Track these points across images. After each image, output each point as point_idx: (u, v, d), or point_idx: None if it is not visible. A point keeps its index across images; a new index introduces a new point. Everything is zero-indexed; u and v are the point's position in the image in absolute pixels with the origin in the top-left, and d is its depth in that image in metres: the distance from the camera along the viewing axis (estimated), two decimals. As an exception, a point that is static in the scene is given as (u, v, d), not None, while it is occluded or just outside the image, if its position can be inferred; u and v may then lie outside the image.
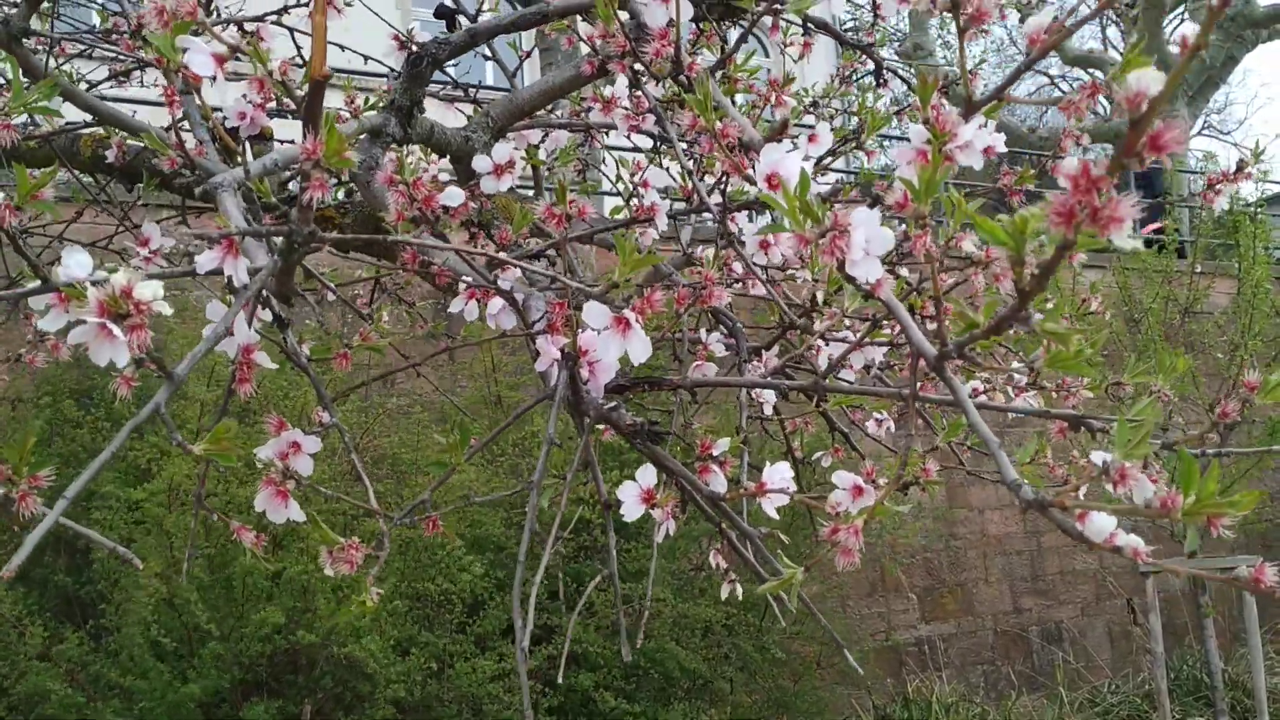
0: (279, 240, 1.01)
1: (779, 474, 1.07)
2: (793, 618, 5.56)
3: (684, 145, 1.64)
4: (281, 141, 1.70)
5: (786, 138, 1.24)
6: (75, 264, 0.93)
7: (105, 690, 4.08)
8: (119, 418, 4.79)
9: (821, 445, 1.94)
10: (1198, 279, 7.22)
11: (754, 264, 1.40)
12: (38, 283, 0.98)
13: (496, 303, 1.31)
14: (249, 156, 1.56)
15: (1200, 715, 6.53)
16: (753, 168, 1.01)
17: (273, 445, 1.11)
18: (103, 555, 4.51)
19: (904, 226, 1.03)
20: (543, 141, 1.99)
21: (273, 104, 1.97)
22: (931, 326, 0.95)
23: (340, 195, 2.14)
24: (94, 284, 0.78)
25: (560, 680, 4.51)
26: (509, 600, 4.74)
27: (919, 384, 0.92)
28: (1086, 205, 0.52)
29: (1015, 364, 1.54)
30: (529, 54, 2.38)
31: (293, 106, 1.98)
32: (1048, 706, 6.56)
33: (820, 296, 1.52)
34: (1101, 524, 0.70)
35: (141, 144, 2.03)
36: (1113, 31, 17.97)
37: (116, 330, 0.77)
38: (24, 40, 1.66)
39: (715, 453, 1.21)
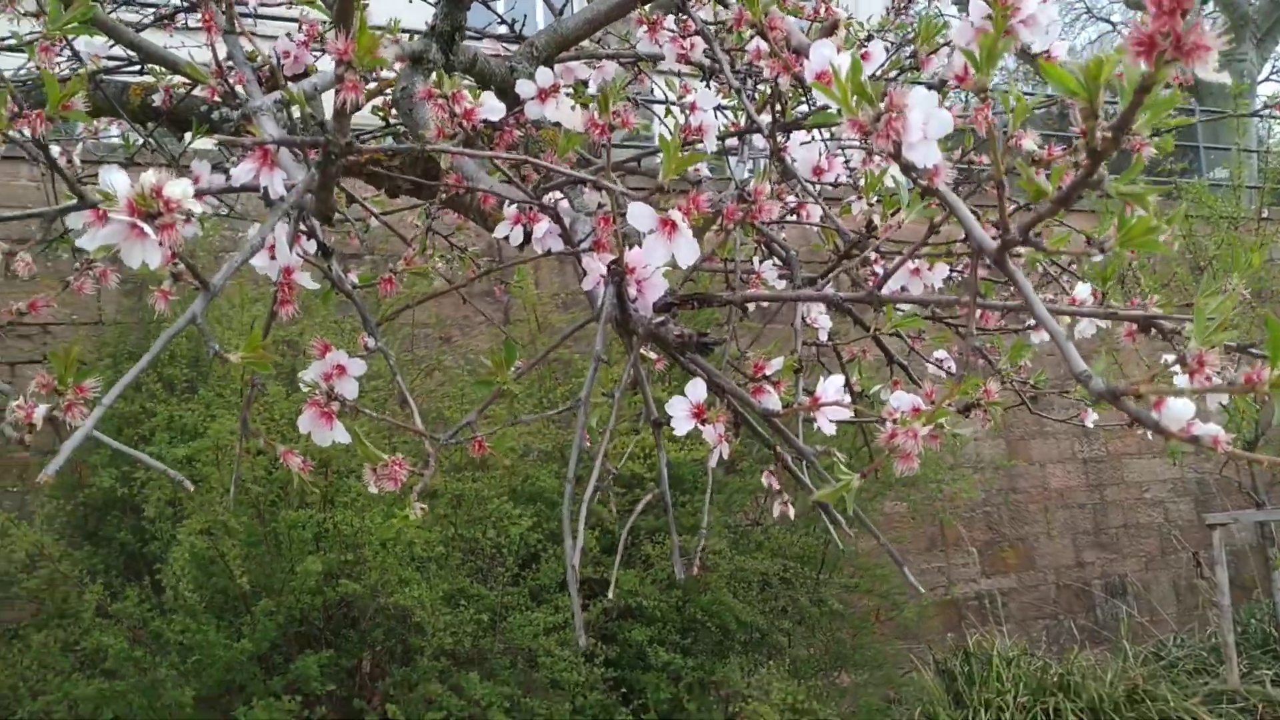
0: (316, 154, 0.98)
1: (834, 387, 1.03)
2: (851, 570, 5.54)
3: (734, 71, 1.59)
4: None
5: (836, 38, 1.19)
6: (116, 181, 0.92)
7: (164, 646, 4.15)
8: (172, 380, 4.84)
9: (881, 380, 1.90)
10: (1265, 225, 7.02)
11: (807, 184, 1.36)
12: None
13: (543, 226, 1.28)
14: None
15: (1268, 669, 6.41)
16: (803, 68, 0.96)
17: (317, 367, 1.09)
18: (154, 513, 4.58)
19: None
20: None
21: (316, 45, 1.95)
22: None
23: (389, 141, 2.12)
24: (121, 182, 0.76)
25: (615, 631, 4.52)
26: (563, 552, 4.75)
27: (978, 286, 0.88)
28: (1169, 32, 0.47)
29: (1081, 286, 1.49)
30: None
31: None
32: (1111, 660, 6.47)
33: (876, 219, 1.47)
34: (1179, 410, 0.66)
35: (187, 89, 2.02)
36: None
37: (147, 229, 0.75)
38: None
39: (769, 373, 1.18)
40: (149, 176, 0.76)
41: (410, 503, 0.99)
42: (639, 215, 0.94)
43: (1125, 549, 7.65)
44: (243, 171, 0.93)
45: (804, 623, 5.44)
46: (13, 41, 1.76)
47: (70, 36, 1.62)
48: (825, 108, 0.93)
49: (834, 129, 1.43)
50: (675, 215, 0.91)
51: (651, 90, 2.23)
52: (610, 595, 4.74)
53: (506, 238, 1.34)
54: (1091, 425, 2.15)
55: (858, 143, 1.24)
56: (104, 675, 4.11)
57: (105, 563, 4.63)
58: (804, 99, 1.60)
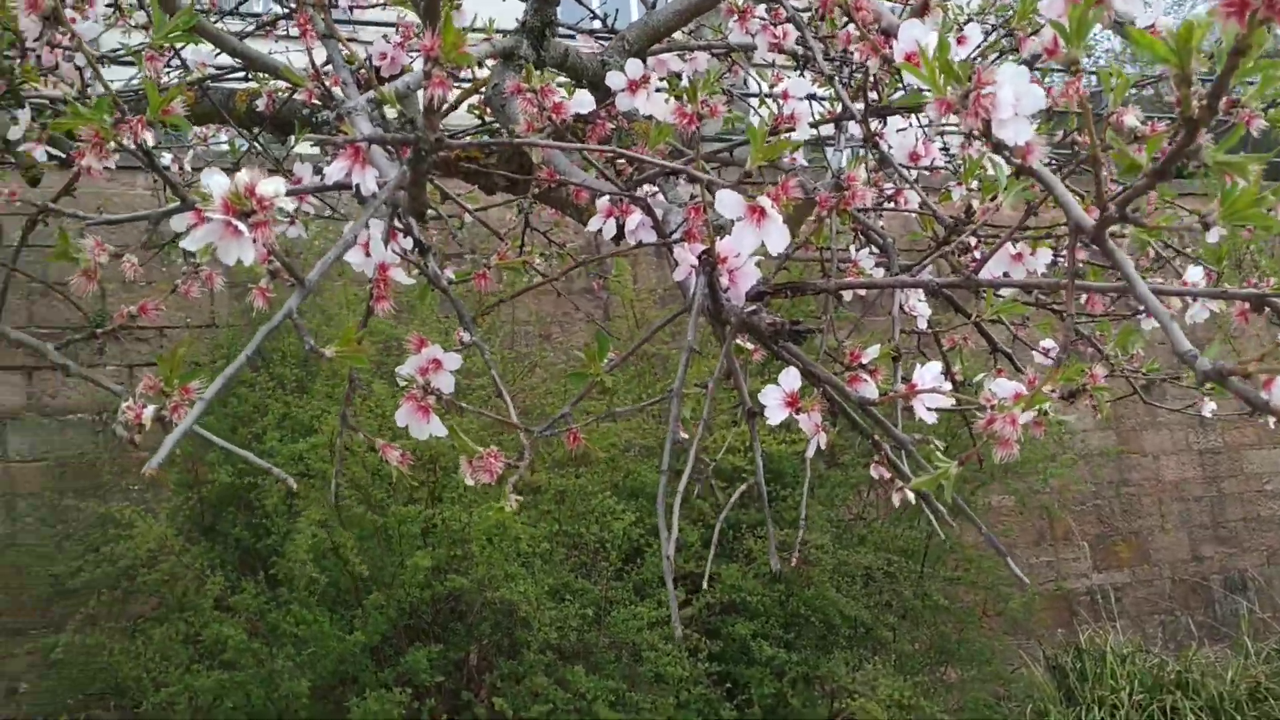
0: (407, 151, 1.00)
1: (930, 374, 1.01)
2: (955, 563, 5.45)
3: (827, 59, 1.58)
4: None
5: (929, 19, 1.17)
6: (213, 182, 0.94)
7: (280, 638, 4.26)
8: (283, 379, 4.96)
9: (984, 368, 1.86)
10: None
11: (903, 170, 1.34)
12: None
13: (635, 218, 1.28)
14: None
15: (1400, 666, 6.15)
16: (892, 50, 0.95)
17: (413, 362, 1.10)
18: (272, 506, 4.71)
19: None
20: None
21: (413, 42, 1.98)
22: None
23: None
24: (218, 184, 0.78)
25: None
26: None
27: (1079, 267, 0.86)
28: (1264, -8, 0.45)
29: (1192, 269, 1.44)
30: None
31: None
32: (1232, 658, 6.26)
33: (975, 204, 1.44)
34: (1291, 390, 0.63)
35: (289, 93, 2.07)
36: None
37: (241, 226, 0.77)
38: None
39: (864, 361, 1.16)
40: (242, 176, 0.78)
41: (506, 494, 1.00)
42: (726, 202, 0.93)
43: (1245, 543, 7.40)
44: (336, 169, 0.95)
45: (908, 617, 5.37)
46: (123, 54, 1.82)
47: (177, 46, 1.68)
48: (917, 90, 0.92)
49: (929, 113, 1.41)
50: (764, 201, 0.91)
51: (745, 82, 2.22)
52: (705, 587, 4.74)
53: (601, 231, 1.34)
54: (1210, 414, 2.07)
55: (956, 127, 1.23)
56: (222, 666, 4.24)
57: (221, 558, 4.76)
58: (899, 85, 1.58)
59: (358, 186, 0.95)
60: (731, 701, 4.76)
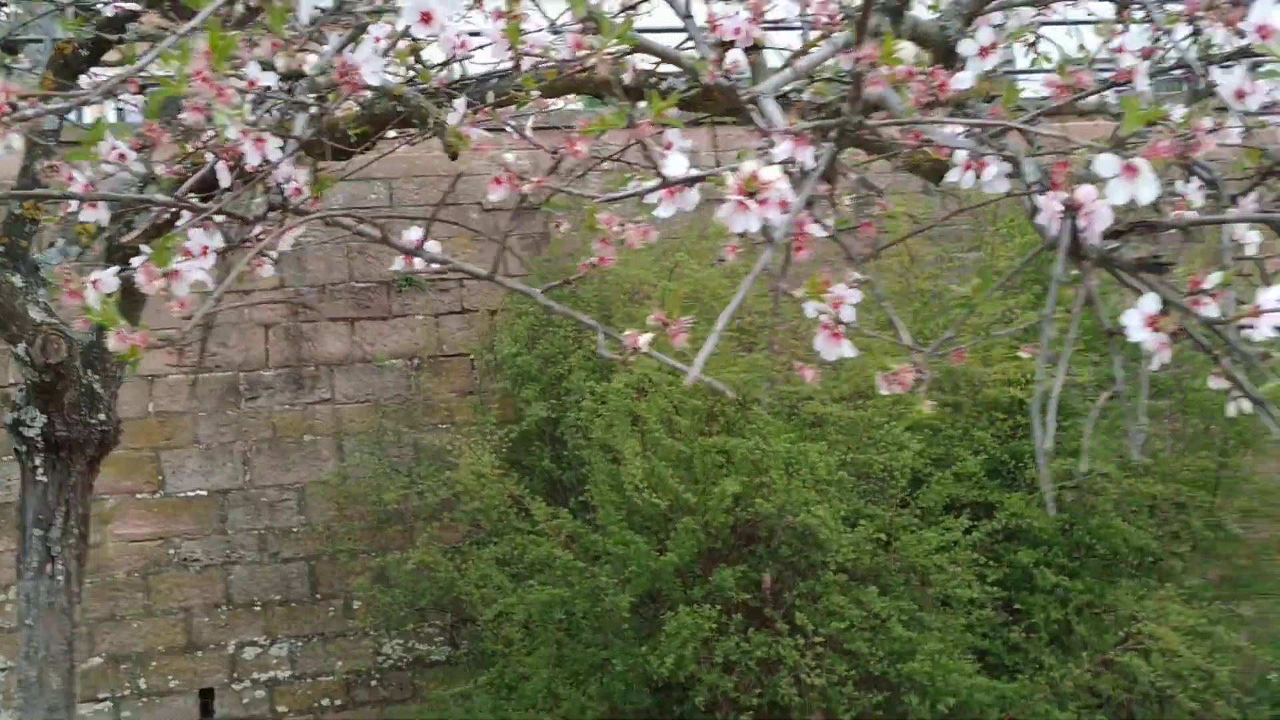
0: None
1: (1273, 295, 1.20)
2: (1250, 494, 5.38)
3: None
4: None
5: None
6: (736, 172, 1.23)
7: (594, 560, 4.70)
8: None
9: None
10: None
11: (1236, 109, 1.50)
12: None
13: (991, 170, 1.51)
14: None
15: None
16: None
17: (825, 299, 1.38)
18: (576, 441, 5.17)
19: None
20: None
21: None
22: None
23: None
24: (731, 170, 1.06)
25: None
26: (947, 477, 4.96)
27: None
28: None
29: None
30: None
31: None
32: None
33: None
34: None
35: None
36: None
37: (751, 205, 1.05)
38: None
39: (1206, 286, 1.35)
40: (748, 165, 1.06)
41: (921, 399, 1.26)
42: (1105, 164, 1.15)
43: None
44: (783, 151, 1.22)
45: (1198, 548, 5.35)
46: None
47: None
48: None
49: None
50: (1139, 162, 1.12)
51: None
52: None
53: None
54: None
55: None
56: (546, 583, 4.71)
57: (530, 487, 5.25)
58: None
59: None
60: (1018, 626, 4.92)
